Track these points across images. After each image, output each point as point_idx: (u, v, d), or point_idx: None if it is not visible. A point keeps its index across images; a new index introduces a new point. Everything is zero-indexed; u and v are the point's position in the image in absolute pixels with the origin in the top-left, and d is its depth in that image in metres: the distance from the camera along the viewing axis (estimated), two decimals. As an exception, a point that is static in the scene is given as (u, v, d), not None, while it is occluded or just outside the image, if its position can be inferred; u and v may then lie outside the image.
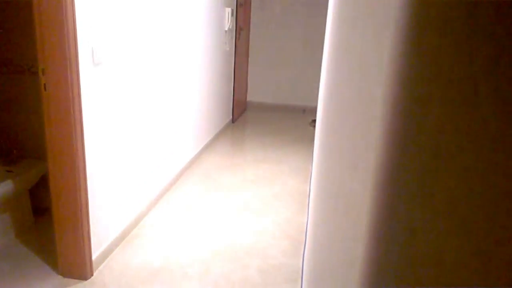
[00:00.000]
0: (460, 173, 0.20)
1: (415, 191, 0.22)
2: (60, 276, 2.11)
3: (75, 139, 1.89)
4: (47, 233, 2.49)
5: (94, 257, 2.14)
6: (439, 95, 0.21)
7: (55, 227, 2.04)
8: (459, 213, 0.20)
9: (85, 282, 2.08)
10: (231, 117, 5.20)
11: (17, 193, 2.40)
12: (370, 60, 0.31)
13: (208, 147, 4.18)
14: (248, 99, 6.13)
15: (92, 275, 2.12)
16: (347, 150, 0.41)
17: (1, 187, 2.26)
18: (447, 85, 0.20)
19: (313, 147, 4.04)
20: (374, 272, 0.25)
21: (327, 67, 1.17)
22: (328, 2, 3.17)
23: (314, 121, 3.05)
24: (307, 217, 2.68)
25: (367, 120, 0.30)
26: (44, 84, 1.84)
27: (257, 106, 6.12)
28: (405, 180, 0.23)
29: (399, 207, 0.23)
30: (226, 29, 4.51)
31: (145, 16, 2.50)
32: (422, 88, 0.22)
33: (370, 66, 0.30)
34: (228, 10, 4.47)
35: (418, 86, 0.22)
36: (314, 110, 5.70)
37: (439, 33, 0.21)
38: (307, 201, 3.10)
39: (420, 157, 0.22)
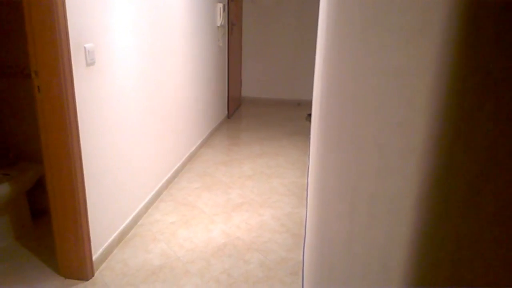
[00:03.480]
0: (510, 179, 0.20)
1: (463, 197, 0.22)
2: (61, 277, 2.11)
3: (71, 140, 1.88)
4: (47, 235, 2.48)
5: (94, 257, 2.14)
6: (492, 99, 0.20)
7: (54, 229, 2.04)
8: (508, 220, 0.20)
9: (86, 283, 2.08)
10: (226, 112, 5.19)
11: (14, 196, 2.39)
12: (403, 62, 0.30)
13: (204, 144, 4.18)
14: (242, 94, 6.12)
15: (93, 275, 2.12)
16: (365, 153, 0.41)
17: (-2, 191, 2.25)
18: (499, 87, 0.20)
19: (309, 140, 4.04)
20: (417, 277, 0.25)
21: (324, 60, 1.17)
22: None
23: (310, 115, 3.06)
24: (306, 211, 2.69)
25: (401, 124, 0.29)
26: (38, 86, 1.83)
27: (251, 101, 6.11)
28: (453, 186, 0.22)
29: (446, 213, 0.23)
30: (219, 25, 4.49)
31: (138, 14, 2.48)
32: (473, 93, 0.21)
33: (403, 69, 0.29)
34: (220, 5, 4.44)
35: (470, 90, 0.21)
36: (308, 104, 5.71)
37: (493, 39, 0.20)
38: (306, 194, 3.11)
39: (469, 162, 0.21)
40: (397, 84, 0.31)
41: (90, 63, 1.99)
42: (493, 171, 0.21)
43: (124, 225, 2.46)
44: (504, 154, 0.20)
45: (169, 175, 3.20)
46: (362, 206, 0.41)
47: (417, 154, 0.26)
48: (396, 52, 0.31)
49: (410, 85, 0.28)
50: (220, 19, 4.47)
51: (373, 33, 0.38)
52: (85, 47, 1.94)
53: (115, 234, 2.36)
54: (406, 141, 0.28)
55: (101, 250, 2.21)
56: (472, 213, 0.21)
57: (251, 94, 6.12)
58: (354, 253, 0.44)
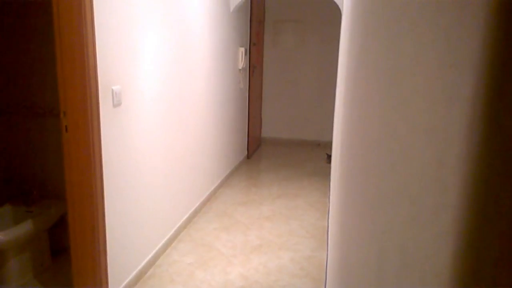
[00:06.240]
0: None
1: (499, 258, 0.22)
2: (77, 318, 2.08)
3: (95, 180, 1.92)
4: (65, 273, 2.48)
5: (111, 298, 2.11)
6: None
7: (73, 267, 2.04)
8: None
9: (102, 324, 2.05)
10: (246, 153, 5.22)
11: (36, 234, 2.41)
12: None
13: (224, 183, 4.18)
14: (262, 134, 6.17)
15: (109, 316, 2.09)
16: (394, 203, 0.41)
17: (21, 228, 2.28)
18: None
19: (329, 181, 4.00)
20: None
21: (345, 102, 1.18)
22: (339, 39, 3.25)
23: (330, 156, 3.04)
24: (327, 254, 2.62)
25: (435, 180, 0.30)
26: (66, 126, 1.90)
27: (271, 142, 6.15)
28: (487, 246, 0.23)
29: (481, 269, 0.23)
30: (240, 67, 4.62)
31: (163, 57, 2.58)
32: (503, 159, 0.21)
33: (436, 126, 0.30)
34: (242, 49, 4.59)
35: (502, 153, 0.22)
36: (328, 144, 5.70)
37: None
38: (326, 237, 3.04)
39: (503, 226, 0.22)
40: (429, 141, 0.32)
41: (116, 104, 2.06)
42: None
43: (142, 265, 2.45)
44: None
45: (188, 215, 3.20)
46: (392, 254, 0.41)
47: (451, 210, 0.27)
48: (426, 113, 0.32)
49: (443, 144, 0.29)
50: (241, 62, 4.60)
51: (406, 81, 0.39)
52: (112, 89, 2.02)
53: (133, 274, 2.34)
54: (441, 197, 0.29)
55: (118, 290, 2.19)
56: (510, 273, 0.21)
57: (271, 135, 6.16)
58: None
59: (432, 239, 0.30)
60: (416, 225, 0.33)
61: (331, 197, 2.46)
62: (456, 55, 0.27)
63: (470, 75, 0.24)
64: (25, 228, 2.30)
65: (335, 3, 3.88)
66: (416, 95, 0.35)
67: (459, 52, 0.26)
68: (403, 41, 0.40)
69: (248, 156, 5.27)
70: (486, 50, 0.22)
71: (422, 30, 0.34)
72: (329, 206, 3.25)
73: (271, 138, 6.17)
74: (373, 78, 0.60)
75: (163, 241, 2.74)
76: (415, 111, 0.35)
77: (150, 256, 2.55)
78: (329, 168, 4.50)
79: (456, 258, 0.26)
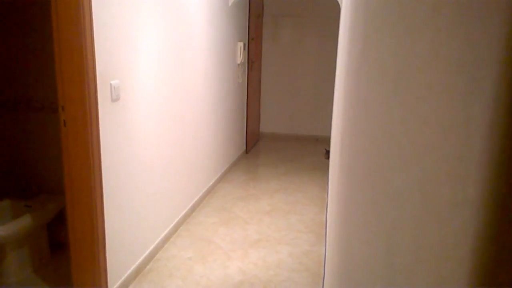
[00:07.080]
0: None
1: None
2: (76, 313, 2.08)
3: (93, 174, 1.91)
4: (64, 268, 2.48)
5: (110, 292, 2.12)
6: None
7: (72, 262, 2.04)
8: None
9: (102, 319, 2.05)
10: (244, 147, 5.22)
11: (35, 228, 2.41)
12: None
13: (222, 178, 4.18)
14: (261, 129, 6.16)
15: (108, 311, 2.10)
16: (404, 199, 0.41)
17: (20, 222, 2.28)
18: None
19: (327, 176, 4.01)
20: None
21: (345, 97, 1.17)
22: (338, 33, 3.24)
23: (328, 151, 3.04)
24: (325, 249, 2.63)
25: (450, 175, 0.30)
26: (64, 120, 1.89)
27: (270, 137, 6.15)
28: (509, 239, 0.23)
29: (502, 263, 0.23)
30: (239, 62, 4.60)
31: (162, 52, 2.57)
32: None
33: (453, 118, 0.30)
34: (240, 44, 4.57)
35: None
36: (327, 140, 5.71)
37: None
38: (324, 231, 3.05)
39: None
40: (446, 137, 0.31)
41: (115, 98, 2.05)
42: None
43: (141, 259, 2.45)
44: None
45: (186, 209, 3.20)
46: (403, 250, 0.41)
47: (471, 206, 0.26)
48: (443, 109, 0.32)
49: (462, 140, 0.29)
50: (240, 57, 4.58)
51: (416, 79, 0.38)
52: (111, 84, 2.01)
53: (132, 268, 2.34)
54: (459, 193, 0.28)
55: (117, 284, 2.19)
56: None
57: (269, 129, 6.16)
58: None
59: (449, 235, 0.30)
60: (431, 221, 0.33)
61: (329, 192, 2.47)
62: (477, 51, 0.26)
63: (492, 71, 0.24)
64: (24, 222, 2.30)
65: (334, -3, 3.86)
66: (431, 92, 0.34)
67: (480, 48, 0.26)
68: (415, 37, 0.40)
69: (247, 151, 5.26)
70: (509, 45, 0.22)
71: (438, 26, 0.34)
72: (327, 201, 3.25)
73: (269, 133, 6.16)
74: (378, 74, 0.60)
75: (162, 236, 2.74)
76: (429, 107, 0.35)
77: (149, 250, 2.55)
78: (328, 163, 4.50)
79: (475, 255, 0.25)
